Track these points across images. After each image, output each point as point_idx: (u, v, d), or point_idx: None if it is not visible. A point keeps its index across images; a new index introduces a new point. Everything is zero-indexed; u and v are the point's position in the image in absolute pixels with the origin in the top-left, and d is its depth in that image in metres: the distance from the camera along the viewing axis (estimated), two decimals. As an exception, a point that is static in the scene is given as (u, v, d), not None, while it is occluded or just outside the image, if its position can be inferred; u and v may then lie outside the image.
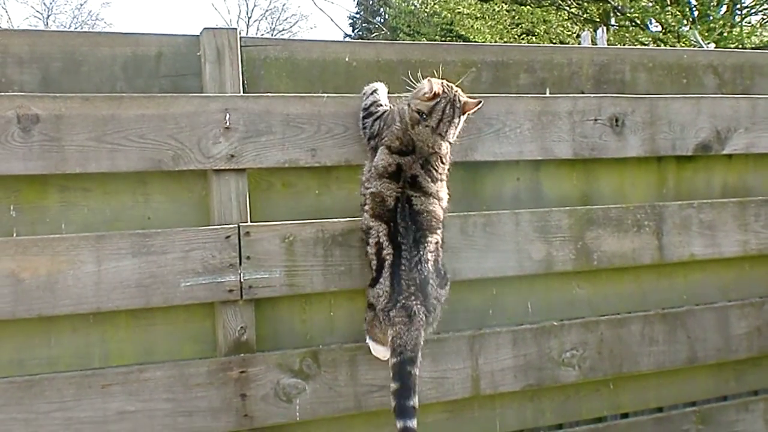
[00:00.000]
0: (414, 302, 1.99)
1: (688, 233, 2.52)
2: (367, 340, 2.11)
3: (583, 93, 2.47)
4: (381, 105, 2.12)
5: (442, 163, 2.07)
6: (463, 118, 2.10)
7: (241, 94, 2.06)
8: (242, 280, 2.02)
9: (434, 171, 2.06)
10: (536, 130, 2.32)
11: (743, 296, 2.66)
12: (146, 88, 2.04)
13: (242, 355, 2.04)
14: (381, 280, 2.01)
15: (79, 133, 1.89)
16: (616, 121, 2.41)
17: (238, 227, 2.02)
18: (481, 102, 2.12)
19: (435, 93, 2.03)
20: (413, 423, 1.91)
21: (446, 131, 2.06)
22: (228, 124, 2.00)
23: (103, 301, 1.91)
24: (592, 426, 2.47)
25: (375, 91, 2.15)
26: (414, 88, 2.09)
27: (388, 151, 2.03)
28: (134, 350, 2.02)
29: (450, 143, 2.09)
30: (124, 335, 2.01)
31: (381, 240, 2.01)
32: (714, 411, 2.63)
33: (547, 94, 2.42)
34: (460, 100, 2.09)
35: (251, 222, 2.05)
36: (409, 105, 2.06)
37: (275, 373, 2.07)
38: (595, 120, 2.39)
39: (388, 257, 2.00)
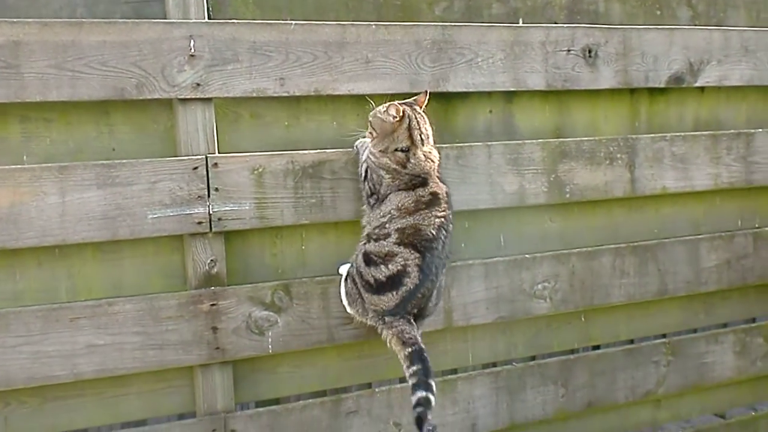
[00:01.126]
0: (412, 317, 2.00)
1: (660, 166, 2.52)
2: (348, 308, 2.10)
3: (556, 24, 2.43)
4: (363, 162, 2.07)
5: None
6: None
7: (206, 20, 1.99)
8: (211, 212, 1.98)
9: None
10: (509, 60, 2.28)
11: (713, 230, 2.68)
12: (107, 14, 1.97)
13: (213, 288, 2.02)
14: (384, 297, 1.97)
15: (39, 60, 1.83)
16: (589, 52, 2.38)
17: (206, 158, 1.97)
18: (427, 92, 2.08)
19: (402, 111, 1.99)
20: (426, 407, 1.88)
21: (428, 138, 2.04)
22: (193, 51, 1.94)
23: (68, 234, 1.87)
24: (564, 357, 2.50)
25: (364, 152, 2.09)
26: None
27: (405, 191, 2.00)
28: (102, 284, 1.98)
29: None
30: (91, 269, 1.97)
31: (409, 269, 1.95)
32: (684, 343, 2.66)
33: (520, 24, 2.38)
34: (414, 105, 2.06)
35: (219, 153, 2.01)
36: (384, 154, 2.01)
37: (247, 306, 2.05)
38: (568, 51, 2.36)
39: (408, 284, 1.96)
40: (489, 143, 2.29)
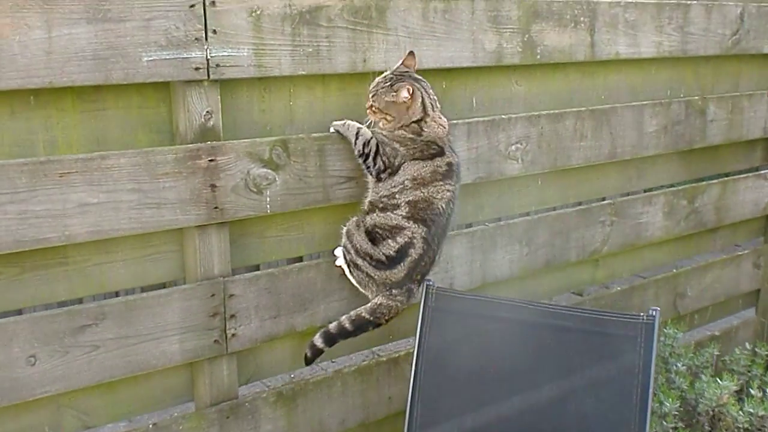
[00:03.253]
0: (416, 286, 2.05)
1: (615, 31, 2.58)
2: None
3: None
4: (369, 141, 2.01)
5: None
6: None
7: None
8: (209, 57, 1.80)
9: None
10: None
11: (649, 98, 2.81)
12: None
13: (210, 142, 1.85)
14: (395, 270, 2.01)
15: None
16: None
17: (203, -5, 1.77)
18: (412, 53, 2.03)
19: (412, 90, 1.97)
20: (326, 348, 2.05)
21: (436, 103, 2.05)
22: None
23: (56, 75, 1.62)
24: (527, 218, 2.56)
25: (358, 133, 2.02)
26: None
27: (422, 161, 2.00)
28: (83, 138, 1.76)
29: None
30: (71, 121, 1.74)
31: (415, 241, 1.99)
32: (624, 204, 2.81)
33: None
34: (404, 69, 2.01)
35: (214, -9, 1.80)
36: (402, 128, 2.00)
37: (245, 162, 1.90)
38: None
39: (413, 254, 2.00)
40: (472, -2, 2.23)
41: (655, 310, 1.94)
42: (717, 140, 3.01)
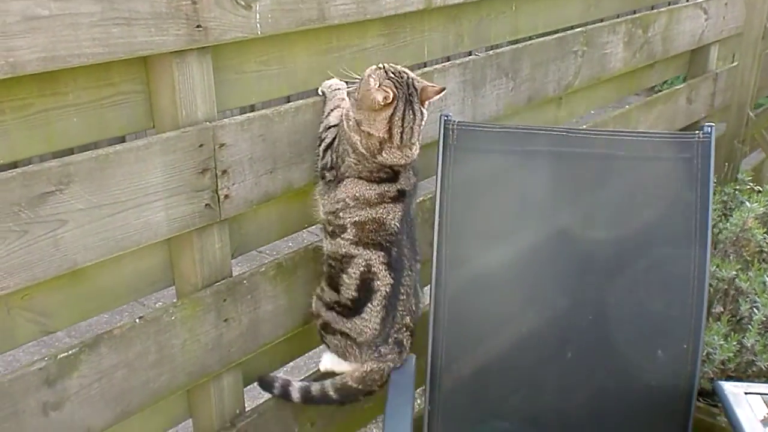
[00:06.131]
0: (405, 333, 1.69)
1: None
2: (332, 357, 1.75)
3: None
4: (333, 126, 1.63)
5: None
6: (426, 111, 1.61)
7: None
8: None
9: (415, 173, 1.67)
10: None
11: None
12: None
13: (186, -67, 1.36)
14: (365, 315, 1.64)
15: None
16: None
17: None
18: (443, 89, 1.60)
19: (392, 97, 1.53)
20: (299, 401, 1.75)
21: (413, 138, 1.60)
22: None
23: None
24: (513, 47, 2.25)
25: (333, 110, 1.65)
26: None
27: (368, 182, 1.60)
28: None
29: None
30: None
31: (375, 269, 1.61)
32: (594, 33, 2.56)
33: None
34: (416, 88, 1.59)
35: None
36: (359, 126, 1.56)
37: (230, -37, 1.43)
38: None
39: (383, 288, 1.63)
40: None
41: (710, 126, 1.72)
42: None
